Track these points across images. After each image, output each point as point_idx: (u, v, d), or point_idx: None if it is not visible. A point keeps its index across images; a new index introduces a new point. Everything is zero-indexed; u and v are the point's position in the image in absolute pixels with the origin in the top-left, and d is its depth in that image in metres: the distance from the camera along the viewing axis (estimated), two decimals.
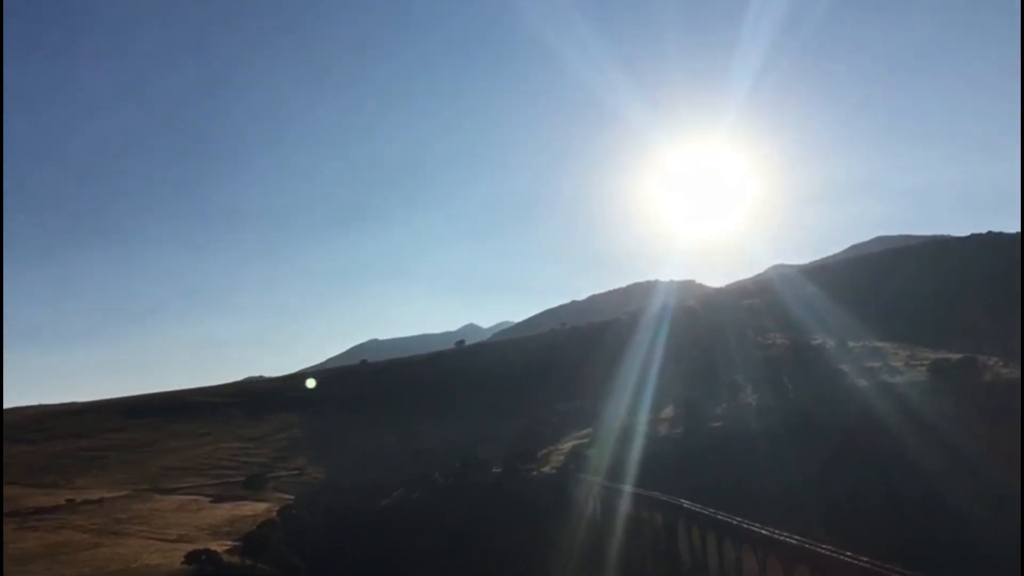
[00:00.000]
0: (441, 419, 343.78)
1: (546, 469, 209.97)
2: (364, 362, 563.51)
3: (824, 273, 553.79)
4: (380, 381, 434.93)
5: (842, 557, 61.74)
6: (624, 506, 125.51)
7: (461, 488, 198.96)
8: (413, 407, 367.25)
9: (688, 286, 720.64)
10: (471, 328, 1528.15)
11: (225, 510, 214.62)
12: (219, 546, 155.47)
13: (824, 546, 66.18)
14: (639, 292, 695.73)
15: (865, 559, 59.83)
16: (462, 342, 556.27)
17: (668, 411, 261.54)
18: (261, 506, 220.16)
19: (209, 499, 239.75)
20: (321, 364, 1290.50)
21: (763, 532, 75.72)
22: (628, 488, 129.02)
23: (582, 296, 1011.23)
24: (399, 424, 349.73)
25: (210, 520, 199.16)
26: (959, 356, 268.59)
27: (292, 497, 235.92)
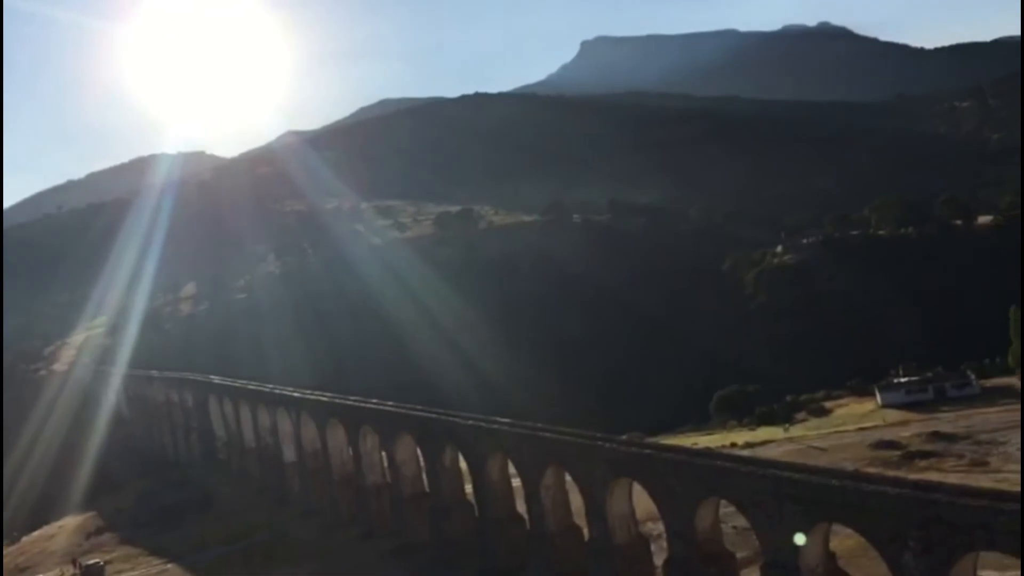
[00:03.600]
0: None
1: (57, 366, 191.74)
2: None
3: (335, 137, 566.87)
4: None
5: (368, 406, 66.00)
6: (151, 392, 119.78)
7: None
8: None
9: (198, 158, 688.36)
10: None
11: None
12: None
13: (352, 398, 69.99)
14: (144, 167, 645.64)
15: (391, 404, 64.56)
16: None
17: (190, 288, 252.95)
18: None
19: None
20: None
21: (295, 394, 77.68)
22: (154, 373, 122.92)
23: (80, 175, 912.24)
24: None
25: None
26: (458, 208, 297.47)
27: None
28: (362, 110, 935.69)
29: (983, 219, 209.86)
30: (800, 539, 30.97)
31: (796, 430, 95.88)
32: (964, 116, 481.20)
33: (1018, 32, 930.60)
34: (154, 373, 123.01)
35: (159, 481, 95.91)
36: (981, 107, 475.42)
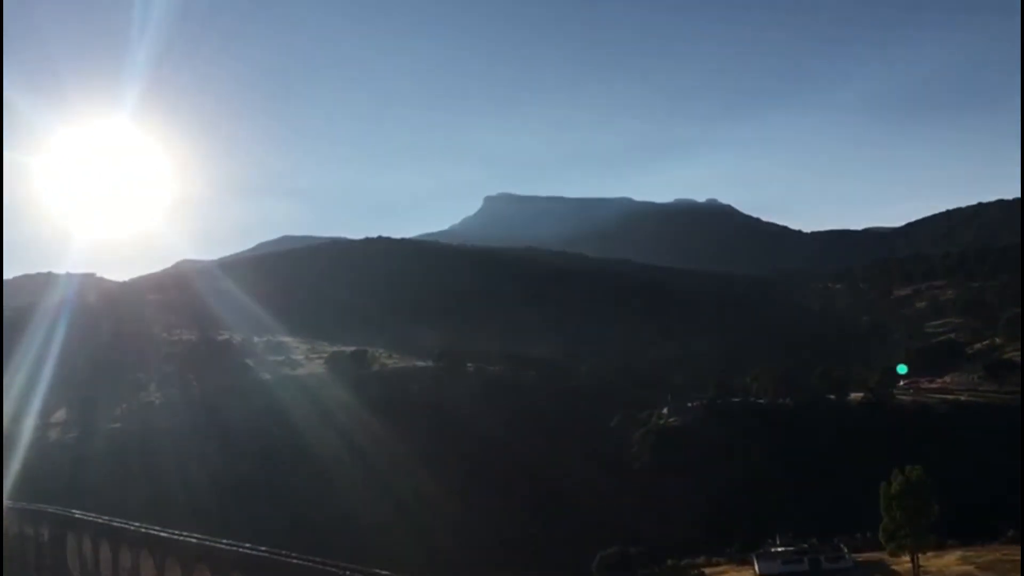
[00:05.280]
0: None
1: None
2: None
3: (233, 270, 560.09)
4: None
5: (239, 551, 62.90)
6: (5, 524, 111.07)
7: None
8: None
9: (88, 280, 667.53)
10: None
11: None
12: None
13: (223, 541, 66.68)
14: (31, 286, 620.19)
15: (264, 549, 61.77)
16: None
17: (60, 414, 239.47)
18: None
19: None
20: None
21: (161, 534, 73.46)
22: (8, 503, 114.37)
23: None
24: None
25: None
26: (353, 349, 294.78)
27: None
28: (262, 244, 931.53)
29: (854, 395, 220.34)
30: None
31: None
32: (837, 297, 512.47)
33: (885, 224, 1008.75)
34: (8, 503, 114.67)
35: None
36: (852, 289, 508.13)
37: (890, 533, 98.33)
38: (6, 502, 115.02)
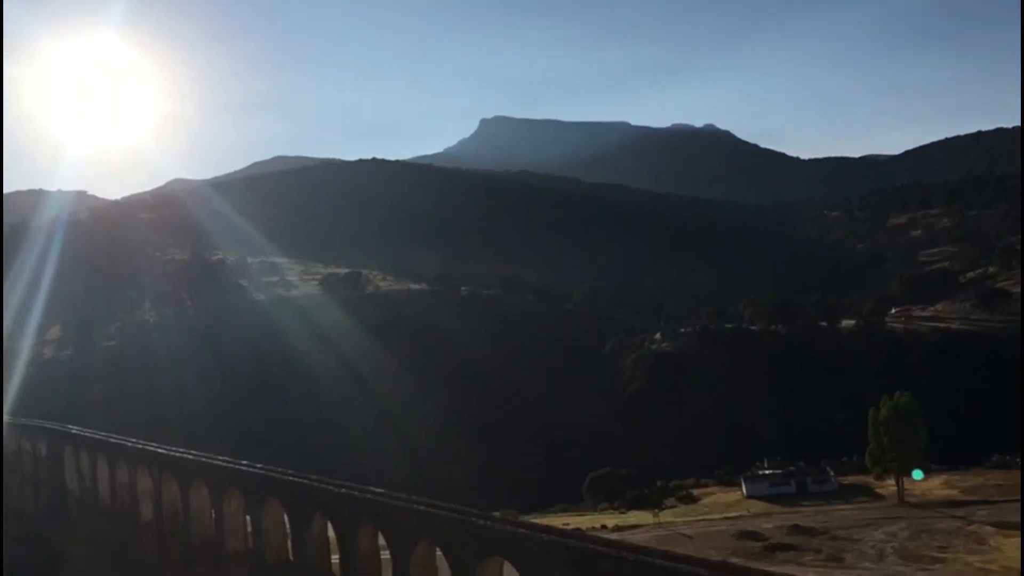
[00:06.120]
0: None
1: None
2: None
3: (226, 189, 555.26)
4: None
5: (236, 467, 63.53)
6: (4, 439, 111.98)
7: None
8: None
9: (80, 197, 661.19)
10: None
11: None
12: None
13: (220, 458, 67.25)
14: (22, 202, 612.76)
15: (259, 467, 62.36)
16: None
17: (55, 331, 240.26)
18: None
19: None
20: None
21: (159, 450, 74.06)
22: (7, 419, 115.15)
23: None
24: None
25: None
26: (347, 270, 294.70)
27: None
28: (256, 164, 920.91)
29: (846, 323, 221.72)
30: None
31: (665, 516, 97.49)
32: (833, 224, 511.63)
33: (884, 152, 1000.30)
34: (7, 419, 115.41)
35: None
36: (848, 218, 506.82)
37: (876, 457, 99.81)
38: (5, 418, 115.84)
